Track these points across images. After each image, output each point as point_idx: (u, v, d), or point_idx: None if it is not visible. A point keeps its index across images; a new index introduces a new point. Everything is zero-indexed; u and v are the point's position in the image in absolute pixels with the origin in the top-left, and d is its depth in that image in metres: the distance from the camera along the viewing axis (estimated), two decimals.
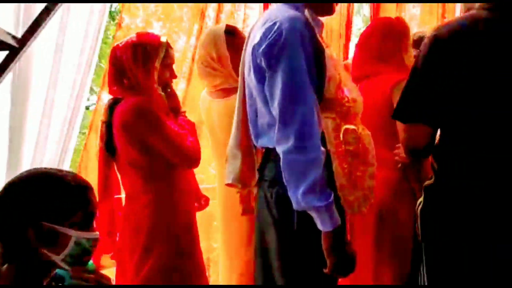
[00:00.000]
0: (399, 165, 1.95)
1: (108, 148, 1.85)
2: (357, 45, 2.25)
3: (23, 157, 2.46)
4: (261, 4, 3.16)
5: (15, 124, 2.46)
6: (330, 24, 3.15)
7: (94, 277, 1.13)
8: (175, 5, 3.10)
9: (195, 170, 2.00)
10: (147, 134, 1.75)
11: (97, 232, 1.17)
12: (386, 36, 2.11)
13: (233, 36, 2.04)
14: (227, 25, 2.12)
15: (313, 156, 1.30)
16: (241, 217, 1.94)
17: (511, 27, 1.33)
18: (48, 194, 1.11)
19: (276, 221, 1.43)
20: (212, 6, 3.07)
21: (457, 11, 3.43)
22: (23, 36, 2.26)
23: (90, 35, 2.61)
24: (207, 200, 2.02)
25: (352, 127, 1.45)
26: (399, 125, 1.81)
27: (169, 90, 1.89)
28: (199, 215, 2.02)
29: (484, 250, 1.36)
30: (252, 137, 1.53)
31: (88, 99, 3.81)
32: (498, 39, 1.32)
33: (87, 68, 2.62)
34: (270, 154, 1.45)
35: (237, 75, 1.98)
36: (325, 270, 1.35)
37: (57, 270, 1.17)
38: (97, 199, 1.81)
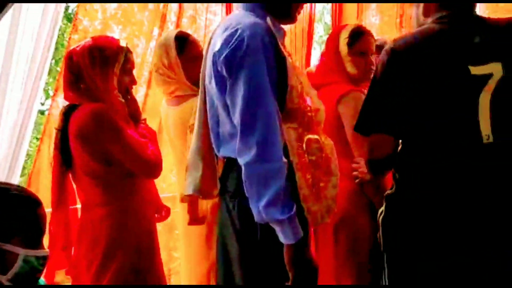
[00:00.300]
0: (357, 180, 1.93)
1: (63, 157, 1.77)
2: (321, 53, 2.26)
3: None
4: (224, 10, 3.13)
5: None
6: (293, 32, 3.15)
7: None
8: (135, 8, 3.03)
9: (156, 179, 1.94)
10: (106, 143, 1.68)
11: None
12: (329, 46, 2.10)
13: (184, 43, 2.02)
14: (179, 31, 2.11)
15: (275, 167, 1.28)
16: (201, 226, 1.92)
17: (462, 39, 1.37)
18: None
19: (238, 233, 1.41)
20: (174, 11, 3.02)
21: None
22: None
23: (43, 36, 2.50)
24: (168, 210, 1.96)
25: (315, 136, 1.44)
26: (358, 138, 1.83)
27: (129, 96, 1.83)
28: (159, 224, 1.97)
29: (445, 259, 1.38)
30: (214, 146, 1.50)
31: (43, 104, 3.68)
32: (450, 50, 1.36)
33: (40, 71, 2.52)
34: (232, 164, 1.42)
35: (191, 82, 1.99)
36: (288, 283, 1.33)
37: None
38: (51, 211, 1.76)
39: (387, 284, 1.49)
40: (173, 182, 2.69)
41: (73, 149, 1.73)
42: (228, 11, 3.11)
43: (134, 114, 1.82)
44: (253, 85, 1.30)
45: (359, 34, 2.04)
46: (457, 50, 1.36)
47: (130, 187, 1.76)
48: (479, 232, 1.37)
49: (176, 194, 2.33)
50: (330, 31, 2.99)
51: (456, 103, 1.35)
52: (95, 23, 2.98)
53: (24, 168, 2.66)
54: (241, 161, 1.31)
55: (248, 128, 1.30)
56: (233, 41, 1.32)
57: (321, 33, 5.89)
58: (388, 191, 1.50)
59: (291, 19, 1.48)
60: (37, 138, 4.04)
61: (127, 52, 1.77)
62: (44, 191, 2.43)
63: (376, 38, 2.63)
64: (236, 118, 1.32)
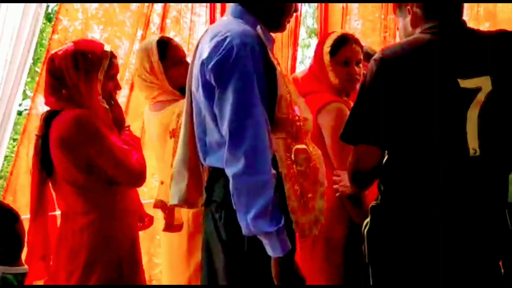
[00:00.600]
0: (338, 193, 1.88)
1: (43, 164, 1.72)
2: None
3: None
4: (208, 11, 3.10)
5: None
6: (278, 34, 3.14)
7: None
8: (117, 8, 2.98)
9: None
10: (88, 151, 1.64)
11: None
12: (316, 54, 2.06)
13: (166, 47, 1.99)
14: (160, 36, 2.09)
15: (263, 179, 1.26)
16: (182, 235, 1.90)
17: (452, 51, 1.37)
18: None
19: (225, 244, 1.38)
20: (157, 12, 2.98)
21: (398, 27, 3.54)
22: None
23: (23, 36, 2.44)
24: (151, 219, 1.93)
25: (303, 147, 1.42)
26: (338, 150, 1.81)
27: (113, 102, 1.79)
28: (142, 230, 1.94)
29: (430, 271, 1.38)
30: (200, 155, 1.47)
31: (20, 104, 3.59)
32: (440, 62, 1.35)
33: (20, 72, 2.46)
34: (218, 174, 1.39)
35: (173, 87, 1.97)
36: None
37: None
38: (30, 220, 1.70)
39: None
40: (155, 187, 2.65)
41: (54, 156, 1.68)
42: (212, 12, 3.08)
43: (118, 120, 1.79)
44: (242, 94, 1.28)
45: (342, 43, 1.97)
46: (447, 62, 1.35)
47: (112, 195, 1.72)
48: (464, 244, 1.37)
49: None
50: (313, 34, 2.98)
51: (445, 116, 1.34)
52: (75, 23, 2.92)
53: (1, 170, 2.60)
54: (229, 172, 1.29)
55: (237, 139, 1.27)
56: (222, 49, 1.29)
57: (303, 36, 5.90)
58: (373, 203, 1.49)
59: (281, 27, 1.47)
60: (13, 139, 3.95)
61: (111, 57, 1.73)
62: (22, 195, 2.39)
63: (364, 46, 2.61)
64: (224, 128, 1.30)
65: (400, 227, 1.40)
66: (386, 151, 1.45)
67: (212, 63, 1.30)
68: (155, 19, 3.01)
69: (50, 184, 1.76)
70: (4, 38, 2.39)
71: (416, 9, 1.43)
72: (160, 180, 1.98)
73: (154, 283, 2.60)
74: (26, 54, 2.47)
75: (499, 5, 3.58)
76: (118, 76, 1.86)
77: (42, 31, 4.34)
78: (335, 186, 1.87)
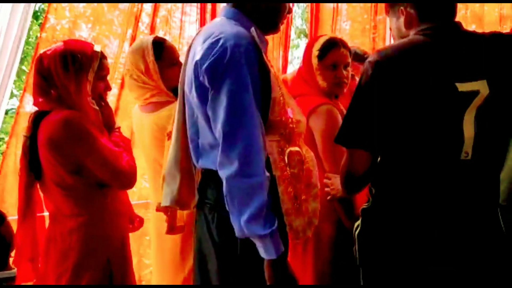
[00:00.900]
0: (329, 197, 1.87)
1: (31, 166, 1.69)
2: None
3: None
4: (198, 10, 3.08)
5: None
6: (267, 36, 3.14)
7: None
8: (105, 7, 2.95)
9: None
10: (78, 153, 1.61)
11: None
12: (304, 57, 2.07)
13: (161, 48, 1.96)
14: (155, 37, 2.05)
15: (257, 182, 1.25)
16: (175, 237, 1.88)
17: (449, 54, 1.35)
18: None
19: (217, 246, 1.38)
20: (146, 11, 2.95)
21: (387, 28, 3.57)
22: None
23: (11, 35, 2.41)
24: (141, 220, 1.91)
25: (296, 149, 1.42)
26: (330, 153, 1.80)
27: (103, 103, 1.76)
28: (132, 232, 1.92)
29: (421, 274, 1.39)
30: (192, 157, 1.46)
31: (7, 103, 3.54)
32: (437, 66, 1.34)
33: (8, 70, 2.42)
34: (211, 176, 1.39)
35: (167, 88, 1.94)
36: None
37: None
38: (18, 222, 1.68)
39: None
40: (144, 187, 2.63)
41: (42, 157, 1.65)
42: (202, 12, 3.07)
43: (108, 122, 1.76)
44: (236, 96, 1.27)
45: (330, 47, 1.98)
46: (444, 65, 1.34)
47: (102, 197, 1.70)
48: (455, 246, 1.38)
49: (148, 201, 2.28)
50: (302, 34, 2.99)
51: (442, 119, 1.33)
52: (63, 21, 2.88)
53: None
54: (223, 174, 1.28)
55: (230, 141, 1.26)
56: (215, 50, 1.28)
57: (292, 37, 5.91)
58: (364, 206, 1.48)
59: (275, 29, 1.46)
60: (0, 139, 3.89)
61: (101, 58, 1.71)
62: (10, 196, 2.35)
63: (353, 47, 2.62)
64: (218, 130, 1.29)
65: (391, 230, 1.40)
66: (377, 156, 1.44)
67: (206, 64, 1.29)
68: (144, 18, 2.98)
69: (38, 186, 1.73)
70: None
71: (411, 10, 1.42)
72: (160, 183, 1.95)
73: (143, 283, 2.57)
74: (14, 53, 2.43)
75: (486, 7, 3.62)
76: (108, 77, 1.83)
77: (29, 29, 4.29)
78: (326, 189, 1.87)
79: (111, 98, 2.65)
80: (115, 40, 2.94)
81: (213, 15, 3.02)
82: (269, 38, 1.47)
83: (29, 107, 2.44)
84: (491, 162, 1.41)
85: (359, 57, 2.41)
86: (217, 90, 1.29)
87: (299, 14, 5.71)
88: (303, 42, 6.17)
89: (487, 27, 3.36)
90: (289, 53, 3.98)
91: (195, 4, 3.08)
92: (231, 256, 1.35)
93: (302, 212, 1.38)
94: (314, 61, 1.99)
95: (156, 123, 1.92)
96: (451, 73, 1.33)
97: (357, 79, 1.49)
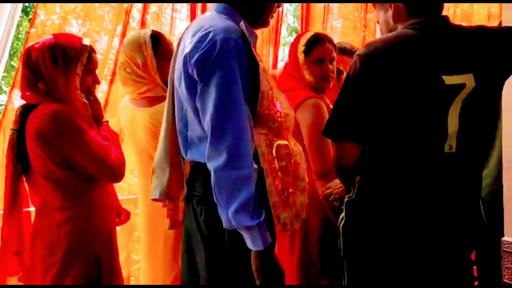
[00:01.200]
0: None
1: (18, 159, 1.67)
2: None
3: None
4: (188, 7, 3.08)
5: None
6: (259, 32, 3.14)
7: None
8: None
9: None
10: (66, 146, 1.60)
11: None
12: (290, 53, 2.09)
13: (158, 42, 1.95)
14: (152, 31, 2.02)
15: (245, 174, 1.26)
16: (165, 230, 1.87)
17: (436, 47, 1.36)
18: None
19: (205, 239, 1.38)
20: (137, 7, 2.95)
21: (377, 26, 3.59)
22: None
23: (0, 31, 2.39)
24: (128, 214, 1.91)
25: (284, 142, 1.43)
26: (315, 145, 1.81)
27: (91, 97, 1.75)
28: (119, 226, 1.92)
29: (404, 265, 1.40)
30: (181, 150, 1.46)
31: None
32: (425, 59, 1.35)
33: None
34: (199, 168, 1.39)
35: (163, 83, 1.92)
36: None
37: None
38: (3, 215, 1.67)
39: None
40: (134, 183, 2.63)
41: (30, 151, 1.65)
42: (193, 8, 3.07)
43: (96, 115, 1.75)
44: (225, 89, 1.27)
45: (315, 42, 2.03)
46: (432, 59, 1.35)
47: (90, 191, 1.69)
48: (437, 238, 1.39)
49: (137, 196, 2.27)
50: (293, 32, 3.00)
51: (427, 112, 1.34)
52: (53, 17, 2.87)
53: None
54: (211, 166, 1.29)
55: (219, 133, 1.27)
56: (205, 44, 1.29)
57: (284, 34, 5.92)
58: (348, 198, 1.49)
59: (264, 23, 1.47)
60: None
61: (90, 51, 1.70)
62: None
63: (341, 42, 2.66)
64: (206, 123, 1.30)
65: (375, 222, 1.42)
66: (364, 148, 1.45)
67: (195, 57, 1.30)
68: (135, 14, 2.98)
69: (24, 179, 1.72)
70: None
71: (399, 4, 1.43)
72: None
73: (132, 279, 2.57)
74: (3, 48, 2.42)
75: (476, 6, 3.65)
76: (97, 71, 1.83)
77: (18, 25, 4.26)
78: (328, 191, 1.85)
79: (100, 94, 2.64)
80: (105, 36, 2.94)
81: (204, 12, 3.02)
82: (260, 34, 1.48)
83: (18, 103, 2.43)
84: (474, 155, 1.42)
85: (347, 51, 2.45)
86: (206, 83, 1.29)
87: (291, 12, 5.73)
88: None
89: None
90: (281, 50, 3.99)
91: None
92: (219, 248, 1.36)
93: (290, 204, 1.38)
94: (301, 56, 2.03)
95: (152, 118, 1.90)
96: (438, 66, 1.34)
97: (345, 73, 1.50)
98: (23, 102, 1.72)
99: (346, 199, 1.50)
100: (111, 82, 2.75)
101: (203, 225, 1.38)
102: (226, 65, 1.27)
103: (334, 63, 2.08)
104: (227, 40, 1.28)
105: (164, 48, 1.95)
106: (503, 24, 1.61)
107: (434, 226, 1.39)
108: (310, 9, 3.49)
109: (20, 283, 1.72)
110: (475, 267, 1.98)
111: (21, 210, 1.73)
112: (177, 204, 1.60)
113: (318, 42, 2.03)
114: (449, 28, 1.41)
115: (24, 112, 1.67)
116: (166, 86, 1.89)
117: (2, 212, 1.75)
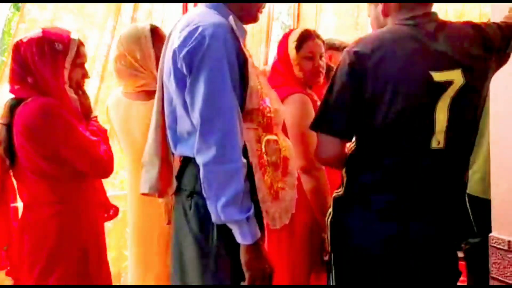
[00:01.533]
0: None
1: (6, 153, 1.66)
2: None
3: None
4: (180, 4, 3.08)
5: None
6: (251, 30, 3.15)
7: None
8: None
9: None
10: (55, 140, 1.59)
11: None
12: (280, 50, 2.10)
13: (155, 36, 1.94)
14: (150, 24, 2.00)
15: (234, 168, 1.26)
16: (154, 226, 1.86)
17: (425, 43, 1.36)
18: None
19: (194, 233, 1.38)
20: (129, 4, 2.94)
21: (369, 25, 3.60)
22: None
23: None
24: (116, 210, 1.90)
25: (273, 137, 1.43)
26: (299, 141, 1.82)
27: (80, 92, 1.74)
28: (111, 222, 1.91)
29: (392, 261, 1.40)
30: (170, 144, 1.46)
31: None
32: (414, 55, 1.35)
33: None
34: (189, 163, 1.39)
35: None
36: (244, 283, 1.32)
37: None
38: None
39: (334, 283, 1.50)
40: (125, 179, 2.62)
41: (18, 145, 1.63)
42: (185, 4, 3.06)
43: (85, 110, 1.74)
44: (214, 84, 1.27)
45: (306, 38, 2.05)
46: (421, 55, 1.35)
47: (78, 186, 1.69)
48: (423, 234, 1.39)
49: (125, 192, 2.25)
50: (287, 30, 3.01)
51: (415, 108, 1.34)
52: (44, 13, 2.86)
53: None
54: (200, 160, 1.28)
55: (208, 128, 1.27)
56: (193, 38, 1.29)
57: (278, 32, 5.91)
58: (336, 193, 1.50)
59: (254, 18, 1.47)
60: None
61: (79, 45, 1.70)
62: None
63: (331, 38, 2.68)
64: (196, 117, 1.29)
65: (362, 217, 1.42)
66: (347, 143, 1.46)
67: (184, 52, 1.30)
68: (127, 11, 2.98)
69: (11, 174, 1.71)
70: None
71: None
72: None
73: (123, 275, 2.56)
74: None
75: (467, 6, 3.68)
76: (88, 67, 1.81)
77: (9, 20, 4.24)
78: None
79: (92, 91, 2.63)
80: (97, 32, 2.93)
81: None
82: (251, 33, 1.49)
83: (7, 98, 2.42)
84: (462, 151, 1.43)
85: (337, 47, 2.49)
86: (195, 77, 1.29)
87: (285, 11, 5.72)
88: None
89: None
90: (274, 48, 3.99)
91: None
92: (207, 242, 1.35)
93: (279, 199, 1.38)
94: (292, 52, 2.05)
95: (148, 112, 1.88)
96: (427, 62, 1.34)
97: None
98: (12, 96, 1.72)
99: (334, 195, 1.50)
100: (102, 78, 2.75)
101: (192, 219, 1.38)
102: (214, 60, 1.27)
103: (324, 58, 2.10)
104: (216, 35, 1.28)
105: (161, 42, 1.94)
106: (491, 21, 1.62)
107: (420, 222, 1.39)
108: (300, 8, 3.50)
109: (8, 277, 1.71)
110: (463, 263, 2.00)
111: (9, 205, 1.72)
112: (170, 200, 1.59)
113: (308, 38, 2.05)
114: (438, 24, 1.41)
115: (13, 106, 1.65)
116: None
117: None
